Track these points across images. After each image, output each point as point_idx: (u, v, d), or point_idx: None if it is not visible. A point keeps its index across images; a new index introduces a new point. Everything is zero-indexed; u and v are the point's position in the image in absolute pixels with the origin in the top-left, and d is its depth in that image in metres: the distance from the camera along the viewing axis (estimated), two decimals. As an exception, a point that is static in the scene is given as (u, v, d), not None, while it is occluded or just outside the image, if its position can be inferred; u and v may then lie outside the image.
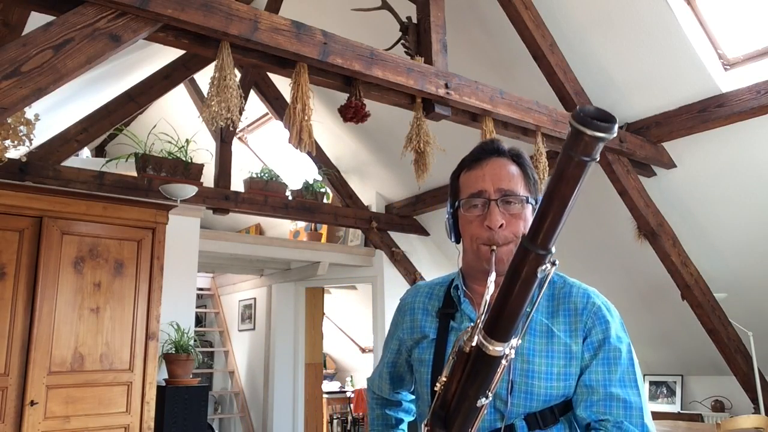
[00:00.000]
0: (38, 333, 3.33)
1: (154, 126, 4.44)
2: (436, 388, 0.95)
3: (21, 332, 3.30)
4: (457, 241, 1.23)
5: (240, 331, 7.31)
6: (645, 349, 4.97)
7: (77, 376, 3.44)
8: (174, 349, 4.18)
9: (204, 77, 3.54)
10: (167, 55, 4.46)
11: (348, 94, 2.81)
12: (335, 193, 5.84)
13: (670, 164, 3.96)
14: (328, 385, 8.28)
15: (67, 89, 3.95)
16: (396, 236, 5.95)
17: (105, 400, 3.50)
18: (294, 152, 4.65)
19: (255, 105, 5.58)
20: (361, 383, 8.62)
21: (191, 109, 5.95)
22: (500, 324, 0.84)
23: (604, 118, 0.71)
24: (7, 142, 2.54)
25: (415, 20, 3.16)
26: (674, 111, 3.72)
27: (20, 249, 3.37)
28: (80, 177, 3.92)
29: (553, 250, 0.80)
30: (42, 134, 3.63)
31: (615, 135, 0.72)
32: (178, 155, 4.26)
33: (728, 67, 3.58)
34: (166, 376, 4.17)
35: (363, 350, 8.91)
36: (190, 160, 4.29)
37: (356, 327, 8.75)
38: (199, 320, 7.96)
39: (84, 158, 5.80)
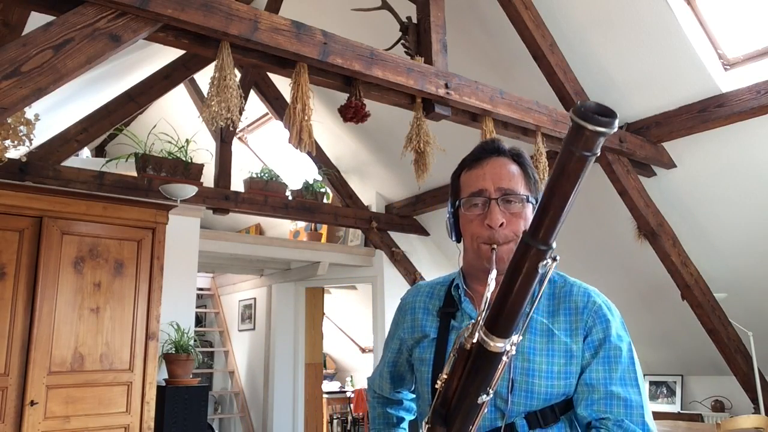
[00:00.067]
0: (38, 333, 3.33)
1: (154, 126, 4.44)
2: (437, 386, 0.95)
3: (21, 332, 3.30)
4: (458, 241, 1.23)
5: (240, 331, 7.30)
6: (645, 349, 4.97)
7: (77, 376, 3.44)
8: (174, 349, 4.19)
9: (204, 77, 3.54)
10: (167, 55, 4.46)
11: (348, 94, 2.81)
12: (335, 193, 5.84)
13: (670, 164, 3.96)
14: (328, 385, 8.28)
15: (67, 89, 3.95)
16: (396, 236, 5.95)
17: (105, 400, 3.50)
18: (294, 152, 4.65)
19: (255, 105, 5.58)
20: (361, 383, 8.62)
21: (191, 109, 5.95)
22: (501, 320, 0.85)
23: (605, 113, 0.72)
24: (7, 142, 2.54)
25: (415, 20, 3.16)
26: (674, 111, 3.72)
27: (20, 249, 3.37)
28: (80, 177, 3.92)
29: (554, 245, 0.80)
30: (42, 134, 3.63)
31: (615, 129, 0.73)
32: (178, 155, 4.26)
33: (728, 67, 3.58)
34: (166, 376, 4.18)
35: (363, 350, 8.91)
36: (190, 160, 4.29)
37: (356, 327, 8.74)
38: (199, 320, 7.96)
39: (84, 158, 5.80)
